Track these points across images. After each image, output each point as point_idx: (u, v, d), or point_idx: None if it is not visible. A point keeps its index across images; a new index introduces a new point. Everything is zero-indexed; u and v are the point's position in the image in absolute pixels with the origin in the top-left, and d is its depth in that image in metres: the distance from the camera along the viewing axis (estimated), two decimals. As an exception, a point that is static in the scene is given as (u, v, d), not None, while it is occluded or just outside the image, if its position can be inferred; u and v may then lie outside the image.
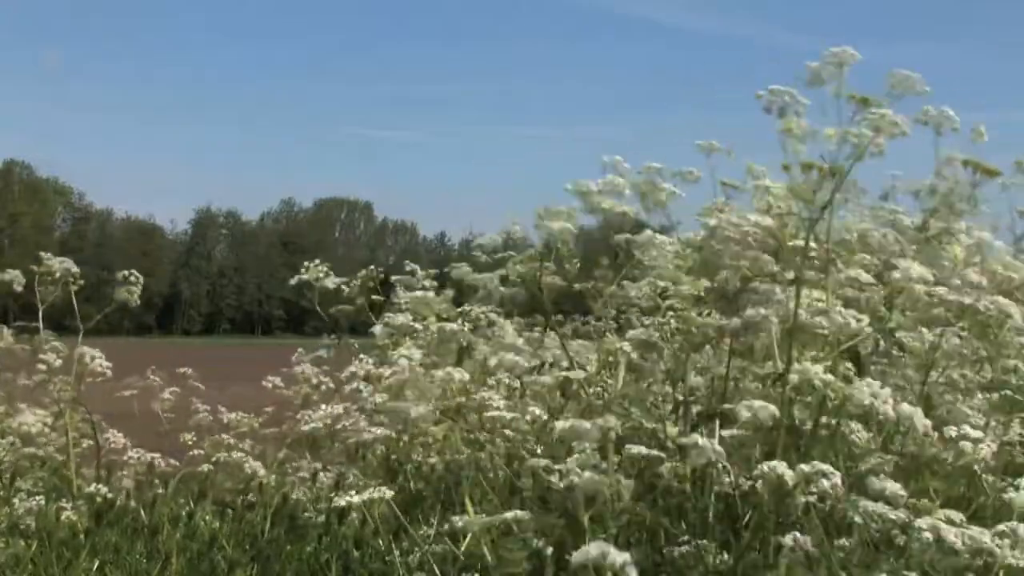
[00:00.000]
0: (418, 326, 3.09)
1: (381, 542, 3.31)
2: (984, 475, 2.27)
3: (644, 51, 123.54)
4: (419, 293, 3.28)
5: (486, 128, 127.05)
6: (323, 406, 4.10)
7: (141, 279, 4.33)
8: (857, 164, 2.23)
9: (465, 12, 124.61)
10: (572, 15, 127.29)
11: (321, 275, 4.11)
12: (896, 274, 2.30)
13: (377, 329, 3.19)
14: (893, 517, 1.92)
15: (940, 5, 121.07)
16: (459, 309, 3.34)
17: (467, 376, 2.64)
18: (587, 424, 2.16)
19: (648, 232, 2.71)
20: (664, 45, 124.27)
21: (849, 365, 2.31)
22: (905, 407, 2.01)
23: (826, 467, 1.89)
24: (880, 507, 1.94)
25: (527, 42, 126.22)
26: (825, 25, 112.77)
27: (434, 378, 2.62)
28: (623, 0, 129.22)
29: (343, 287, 4.16)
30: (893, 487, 1.96)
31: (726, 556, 2.34)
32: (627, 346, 2.67)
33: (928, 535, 1.80)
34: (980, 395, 2.56)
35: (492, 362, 2.74)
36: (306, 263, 4.14)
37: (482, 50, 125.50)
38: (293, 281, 4.14)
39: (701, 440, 2.02)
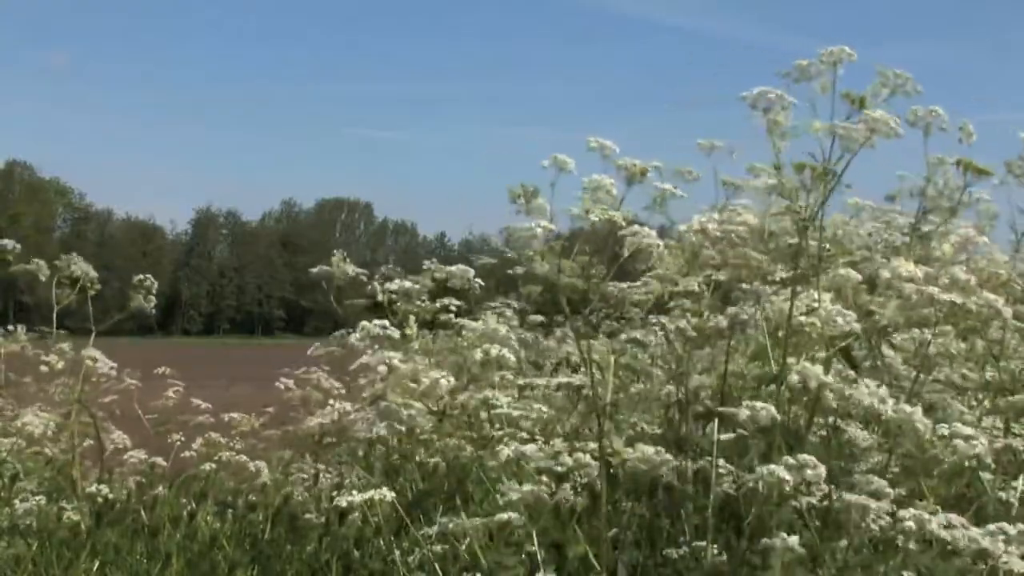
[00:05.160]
0: (394, 332, 2.81)
1: (382, 542, 3.30)
2: (983, 474, 2.25)
3: (644, 51, 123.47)
4: (397, 283, 3.04)
5: (487, 128, 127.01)
6: (328, 405, 4.08)
7: (155, 284, 4.26)
8: (850, 162, 2.20)
9: (465, 12, 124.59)
10: (573, 15, 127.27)
11: (344, 264, 4.00)
12: (885, 273, 2.22)
13: (354, 338, 2.89)
14: (874, 507, 1.89)
15: (940, 5, 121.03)
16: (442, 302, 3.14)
17: (452, 380, 2.58)
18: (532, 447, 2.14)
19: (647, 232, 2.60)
20: (664, 45, 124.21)
21: (841, 366, 2.28)
22: (905, 407, 1.99)
23: (809, 458, 1.88)
24: (862, 498, 1.91)
25: (528, 42, 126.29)
26: (825, 26, 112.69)
27: (422, 380, 2.56)
28: (624, 0, 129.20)
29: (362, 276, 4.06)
30: (880, 483, 1.93)
31: (725, 557, 2.34)
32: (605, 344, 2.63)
33: (911, 524, 1.79)
34: (979, 395, 2.55)
35: (478, 356, 2.58)
36: (334, 251, 4.07)
37: (482, 50, 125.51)
38: (315, 270, 4.01)
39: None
